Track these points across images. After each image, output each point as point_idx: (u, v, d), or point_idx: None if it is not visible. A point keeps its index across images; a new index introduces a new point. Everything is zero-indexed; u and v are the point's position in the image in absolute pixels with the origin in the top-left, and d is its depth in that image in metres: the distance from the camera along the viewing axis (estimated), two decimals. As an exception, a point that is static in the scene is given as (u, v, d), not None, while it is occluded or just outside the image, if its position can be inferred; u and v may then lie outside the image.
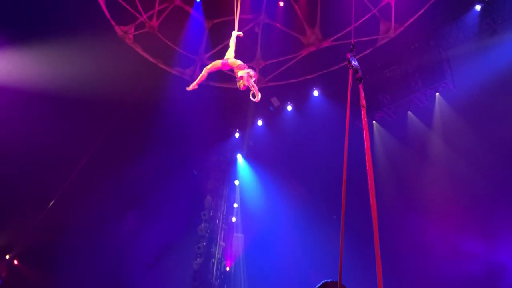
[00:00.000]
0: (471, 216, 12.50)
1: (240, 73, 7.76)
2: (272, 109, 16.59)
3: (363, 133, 3.58)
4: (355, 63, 4.18)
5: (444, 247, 12.72)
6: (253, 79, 7.81)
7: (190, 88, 8.15)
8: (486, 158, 12.47)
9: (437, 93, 13.77)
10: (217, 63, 8.22)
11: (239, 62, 7.98)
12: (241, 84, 7.78)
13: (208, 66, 8.27)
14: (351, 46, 4.24)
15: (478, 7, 12.45)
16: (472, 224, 12.43)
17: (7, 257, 15.88)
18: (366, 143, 3.58)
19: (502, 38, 12.26)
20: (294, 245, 15.53)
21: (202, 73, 8.16)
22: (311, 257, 14.62)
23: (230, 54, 8.28)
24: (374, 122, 15.19)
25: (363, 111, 3.83)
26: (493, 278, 11.78)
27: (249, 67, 8.16)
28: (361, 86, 4.00)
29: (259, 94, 7.81)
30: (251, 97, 7.90)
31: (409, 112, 14.51)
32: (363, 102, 3.88)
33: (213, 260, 16.46)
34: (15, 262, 16.24)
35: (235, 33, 8.68)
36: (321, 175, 15.33)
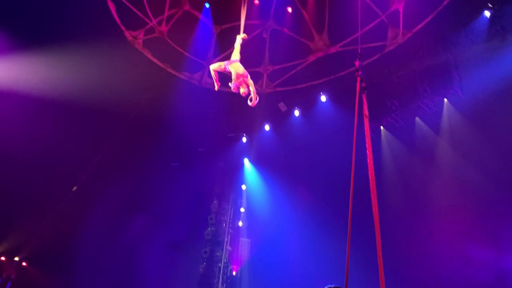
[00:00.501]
0: (479, 223, 12.40)
1: (230, 84, 7.93)
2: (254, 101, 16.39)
3: (365, 142, 3.65)
4: (361, 72, 4.25)
5: (452, 253, 12.62)
6: (249, 87, 7.89)
7: (217, 88, 8.33)
8: (495, 165, 12.39)
9: (445, 99, 13.71)
10: (221, 64, 8.32)
11: (236, 66, 8.02)
12: (240, 91, 7.93)
13: (214, 66, 8.35)
14: (359, 55, 4.29)
15: (487, 14, 12.39)
16: (480, 230, 12.33)
17: (16, 258, 16.01)
18: (369, 153, 3.64)
19: (511, 44, 12.20)
20: (300, 250, 15.50)
21: (212, 74, 8.30)
22: (318, 262, 14.58)
23: (235, 56, 8.36)
24: (381, 127, 15.15)
25: (366, 121, 3.90)
26: (501, 285, 11.66)
27: (250, 73, 8.24)
28: (364, 96, 4.05)
29: (257, 99, 7.88)
30: (248, 101, 7.99)
31: (417, 118, 14.46)
32: (366, 112, 3.95)
33: (219, 264, 16.46)
34: (24, 264, 16.37)
35: (239, 36, 8.76)
36: (328, 180, 15.31)
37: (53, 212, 13.80)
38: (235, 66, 8.04)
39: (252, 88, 7.94)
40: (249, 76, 7.98)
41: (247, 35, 13.83)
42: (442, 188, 13.41)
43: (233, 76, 7.95)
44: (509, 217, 11.99)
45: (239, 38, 8.71)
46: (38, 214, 14.89)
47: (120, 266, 16.48)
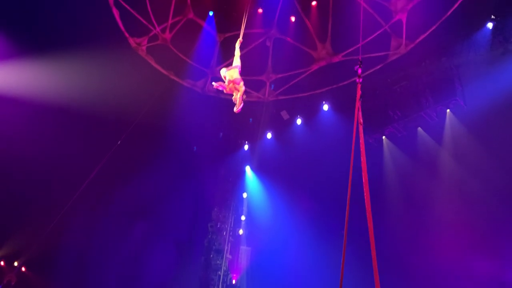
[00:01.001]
0: (482, 235, 12.34)
1: (214, 83, 8.10)
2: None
3: (360, 149, 3.69)
4: (361, 79, 4.29)
5: (454, 265, 12.54)
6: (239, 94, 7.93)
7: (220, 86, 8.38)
8: (497, 176, 12.34)
9: (448, 110, 13.71)
10: (224, 70, 8.42)
11: (231, 72, 8.13)
12: (233, 96, 8.01)
13: (222, 71, 8.43)
14: (359, 62, 4.34)
15: (490, 25, 12.44)
16: (483, 242, 12.26)
17: (16, 264, 15.97)
18: (363, 160, 3.68)
19: (514, 56, 12.24)
20: (301, 259, 15.42)
21: (223, 78, 8.38)
22: (318, 272, 14.50)
23: (235, 62, 8.49)
24: (383, 137, 15.14)
25: (360, 128, 3.95)
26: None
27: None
28: (359, 104, 4.09)
29: (241, 106, 7.92)
30: (235, 108, 8.09)
31: (419, 128, 14.45)
32: (360, 119, 4.00)
33: (219, 272, 16.38)
34: (23, 269, 16.33)
35: (238, 43, 8.88)
36: (329, 189, 15.26)
37: (54, 219, 13.76)
38: (230, 72, 8.17)
39: (238, 95, 7.99)
40: (241, 83, 8.04)
41: (251, 43, 14.06)
42: (444, 199, 13.35)
43: (226, 81, 8.05)
44: (511, 229, 11.92)
45: (237, 44, 8.85)
46: (38, 219, 14.87)
47: (121, 272, 16.41)
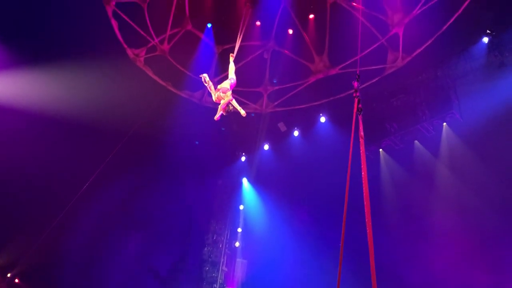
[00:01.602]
0: (479, 248, 12.31)
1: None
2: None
3: (361, 164, 3.65)
4: (359, 93, 4.28)
5: (452, 278, 12.47)
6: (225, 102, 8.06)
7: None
8: (494, 189, 12.37)
9: (444, 123, 13.78)
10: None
11: (223, 83, 8.35)
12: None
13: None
14: (357, 76, 4.33)
15: (485, 39, 12.58)
16: (480, 255, 12.23)
17: (9, 275, 15.79)
18: (364, 174, 3.65)
19: (509, 70, 12.34)
20: (297, 272, 15.30)
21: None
22: (315, 285, 14.38)
23: (230, 75, 8.64)
24: (380, 150, 15.17)
25: (362, 142, 3.92)
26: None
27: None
28: (360, 117, 4.08)
29: (219, 114, 8.17)
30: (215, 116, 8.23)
31: (416, 141, 14.50)
32: (361, 133, 3.97)
33: (215, 285, 16.24)
34: (16, 280, 16.14)
35: (231, 57, 9.01)
36: (326, 201, 15.22)
37: (47, 230, 13.64)
38: (222, 83, 8.39)
39: (223, 102, 8.09)
40: (228, 93, 8.20)
41: (249, 55, 14.15)
42: (441, 212, 13.35)
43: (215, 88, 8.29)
44: (509, 241, 11.90)
45: (231, 58, 9.00)
46: (32, 230, 14.74)
47: (117, 284, 16.23)
